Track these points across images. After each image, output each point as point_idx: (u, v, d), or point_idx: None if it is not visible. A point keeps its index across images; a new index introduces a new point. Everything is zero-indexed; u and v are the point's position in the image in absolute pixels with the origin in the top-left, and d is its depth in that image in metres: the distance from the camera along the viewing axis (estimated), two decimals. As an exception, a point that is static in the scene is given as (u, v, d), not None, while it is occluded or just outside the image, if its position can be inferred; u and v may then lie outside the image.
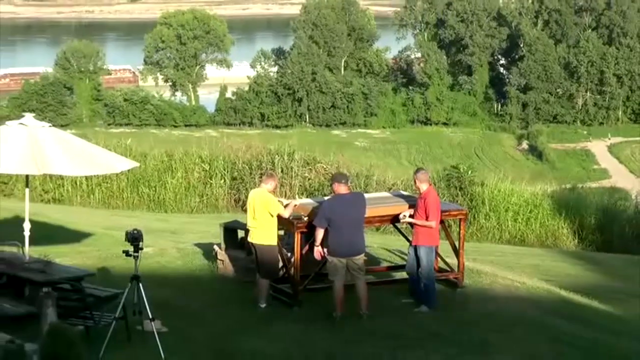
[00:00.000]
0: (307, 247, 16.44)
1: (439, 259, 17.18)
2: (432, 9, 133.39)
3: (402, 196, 18.11)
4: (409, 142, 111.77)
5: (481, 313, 16.76)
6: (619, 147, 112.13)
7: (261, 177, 18.20)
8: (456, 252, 17.70)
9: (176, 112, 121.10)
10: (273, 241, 16.25)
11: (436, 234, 16.65)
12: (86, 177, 28.74)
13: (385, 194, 19.91)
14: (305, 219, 16.29)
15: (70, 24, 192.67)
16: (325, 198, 17.04)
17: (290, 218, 16.22)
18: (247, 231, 16.92)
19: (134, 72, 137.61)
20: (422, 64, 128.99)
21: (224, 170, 31.64)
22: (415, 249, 16.52)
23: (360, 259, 15.84)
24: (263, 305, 16.37)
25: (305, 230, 16.35)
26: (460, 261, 17.65)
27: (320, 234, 15.61)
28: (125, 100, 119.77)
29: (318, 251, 15.77)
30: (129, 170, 22.49)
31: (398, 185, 28.87)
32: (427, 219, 16.29)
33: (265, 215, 16.13)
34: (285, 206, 16.30)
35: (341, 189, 15.85)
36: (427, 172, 17.76)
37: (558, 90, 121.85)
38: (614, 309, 18.32)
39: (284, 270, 16.84)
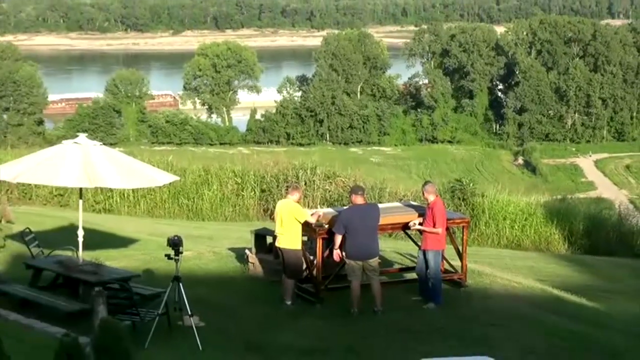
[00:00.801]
0: (327, 251, 16.45)
1: (444, 261, 17.14)
2: (438, 41, 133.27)
3: (412, 206, 18.09)
4: (417, 158, 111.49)
5: (482, 309, 16.72)
6: (604, 162, 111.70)
7: (287, 189, 18.20)
8: (460, 255, 17.66)
9: (212, 132, 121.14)
10: (298, 246, 16.28)
11: (442, 240, 16.64)
12: (132, 190, 28.81)
13: (397, 204, 19.87)
14: (326, 226, 16.34)
15: (118, 55, 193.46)
16: (344, 208, 17.08)
17: (313, 225, 16.28)
18: (274, 237, 16.92)
19: (174, 97, 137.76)
20: (429, 89, 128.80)
21: (254, 183, 31.63)
22: (424, 252, 16.51)
23: (375, 261, 15.85)
24: (289, 303, 16.37)
25: (326, 236, 16.37)
26: (464, 263, 17.61)
27: (338, 239, 15.65)
28: (166, 121, 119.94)
29: (337, 254, 15.79)
30: (170, 184, 22.53)
31: (408, 197, 28.77)
32: (434, 226, 16.29)
33: (292, 222, 16.14)
34: (312, 215, 16.40)
35: (358, 199, 15.92)
36: (434, 184, 17.75)
37: (549, 111, 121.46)
38: (600, 305, 18.24)
39: (308, 271, 16.85)
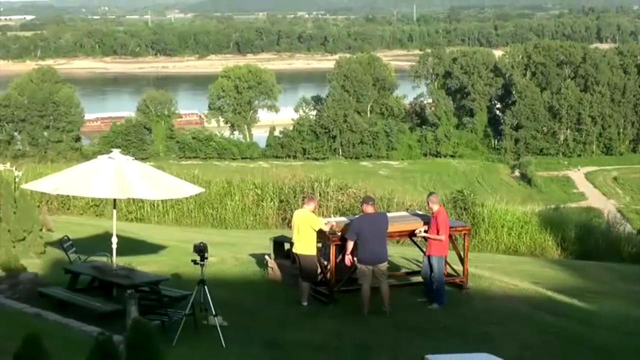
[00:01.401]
0: (340, 256, 16.47)
1: (447, 266, 17.14)
2: (441, 63, 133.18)
3: (418, 215, 18.09)
4: (422, 171, 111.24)
5: (482, 309, 16.72)
6: (593, 175, 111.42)
7: (303, 200, 18.21)
8: (461, 260, 17.64)
9: (234, 147, 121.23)
10: (313, 252, 16.31)
11: (446, 246, 16.64)
12: (162, 200, 28.83)
13: (404, 213, 19.86)
14: (339, 233, 16.38)
15: (149, 77, 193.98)
16: (356, 216, 17.10)
17: (327, 233, 16.30)
18: (292, 244, 16.95)
19: (200, 116, 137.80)
20: (433, 108, 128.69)
21: (273, 194, 31.64)
22: (429, 258, 16.51)
23: (384, 266, 15.87)
24: (305, 304, 16.38)
25: (339, 243, 16.41)
26: (465, 268, 17.59)
27: (350, 245, 15.70)
28: (193, 138, 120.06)
29: (349, 259, 15.81)
30: (196, 195, 22.53)
31: (414, 206, 28.69)
32: (438, 233, 16.30)
33: (308, 230, 16.20)
34: (326, 224, 16.43)
35: (368, 209, 15.97)
36: (438, 195, 17.79)
37: (543, 128, 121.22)
38: (590, 305, 18.21)
39: (322, 275, 16.86)
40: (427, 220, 16.94)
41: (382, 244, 15.93)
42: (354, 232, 15.59)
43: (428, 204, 16.97)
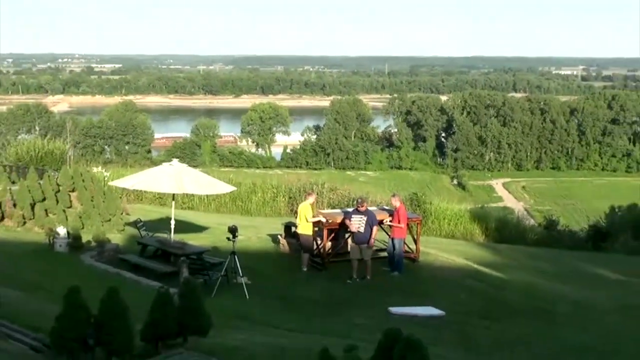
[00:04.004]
0: (333, 234, 16.61)
1: (405, 245, 17.13)
2: (404, 105, 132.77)
3: (385, 209, 18.11)
4: (389, 179, 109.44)
5: (428, 276, 16.73)
6: (508, 184, 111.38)
7: (306, 194, 18.25)
8: (415, 241, 17.66)
9: (258, 159, 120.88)
10: (309, 232, 16.38)
11: (404, 231, 16.65)
12: (206, 195, 28.84)
13: (375, 208, 19.89)
14: (331, 221, 16.45)
15: (200, 109, 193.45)
16: (350, 209, 17.25)
17: (323, 222, 16.41)
18: (296, 227, 16.99)
19: (234, 137, 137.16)
20: (397, 135, 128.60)
21: (285, 192, 31.64)
22: (392, 240, 16.53)
23: (365, 247, 15.87)
24: (305, 269, 16.39)
25: (330, 227, 16.44)
26: (417, 247, 17.60)
27: (348, 223, 15.86)
28: (229, 152, 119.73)
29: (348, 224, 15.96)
30: (230, 192, 22.55)
31: (382, 203, 28.68)
32: (399, 222, 16.31)
33: (305, 217, 16.31)
34: (318, 215, 16.54)
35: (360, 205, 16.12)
36: (399, 195, 17.82)
37: (474, 151, 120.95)
38: (503, 275, 18.23)
39: (317, 249, 16.87)
40: (391, 213, 16.95)
41: (367, 230, 15.90)
42: (348, 218, 15.86)
43: (391, 201, 17.01)
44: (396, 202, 16.65)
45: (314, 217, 16.42)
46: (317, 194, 30.11)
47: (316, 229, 16.64)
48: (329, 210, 18.85)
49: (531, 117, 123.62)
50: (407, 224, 16.96)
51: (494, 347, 12.30)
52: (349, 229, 15.89)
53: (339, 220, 16.51)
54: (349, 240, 16.28)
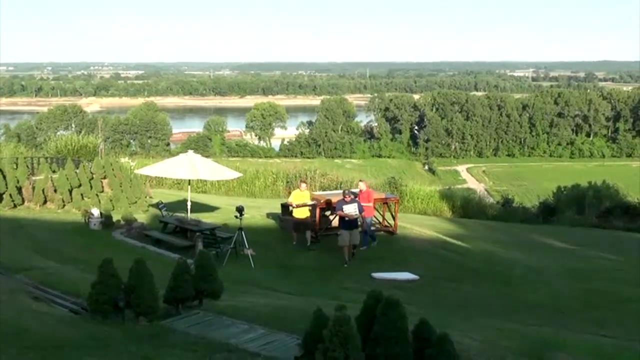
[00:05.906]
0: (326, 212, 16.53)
1: (385, 221, 17.09)
2: (383, 103, 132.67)
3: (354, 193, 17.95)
4: (371, 166, 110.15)
5: (405, 247, 16.74)
6: (471, 169, 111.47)
7: (300, 182, 18.20)
8: (393, 218, 17.67)
9: (260, 150, 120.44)
10: (304, 215, 16.20)
11: (372, 210, 16.48)
12: (217, 180, 28.77)
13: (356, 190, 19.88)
14: (320, 202, 16.40)
15: (211, 108, 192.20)
16: (335, 191, 17.08)
17: (315, 202, 16.33)
18: (292, 207, 16.81)
19: (240, 132, 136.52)
20: (378, 129, 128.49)
21: (283, 178, 31.62)
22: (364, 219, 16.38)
23: (355, 231, 15.21)
24: (294, 243, 16.31)
25: (323, 206, 16.41)
26: (395, 222, 17.60)
27: (341, 213, 15.09)
28: (236, 144, 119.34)
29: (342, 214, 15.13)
30: (237, 177, 22.50)
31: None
32: (368, 202, 16.13)
33: (298, 201, 16.23)
34: (301, 205, 16.09)
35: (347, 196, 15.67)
36: (365, 181, 17.71)
37: (442, 142, 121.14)
38: (468, 245, 18.29)
39: (311, 227, 16.81)
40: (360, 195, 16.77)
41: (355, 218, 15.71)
42: (340, 208, 15.17)
43: (359, 186, 16.78)
44: (363, 186, 16.52)
45: (305, 203, 16.16)
46: (310, 178, 30.11)
47: (310, 208, 16.55)
48: (321, 192, 18.83)
49: (490, 112, 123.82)
50: (386, 203, 17.20)
51: (459, 305, 12.36)
52: (346, 218, 15.27)
53: (329, 200, 16.44)
54: (335, 222, 15.87)
